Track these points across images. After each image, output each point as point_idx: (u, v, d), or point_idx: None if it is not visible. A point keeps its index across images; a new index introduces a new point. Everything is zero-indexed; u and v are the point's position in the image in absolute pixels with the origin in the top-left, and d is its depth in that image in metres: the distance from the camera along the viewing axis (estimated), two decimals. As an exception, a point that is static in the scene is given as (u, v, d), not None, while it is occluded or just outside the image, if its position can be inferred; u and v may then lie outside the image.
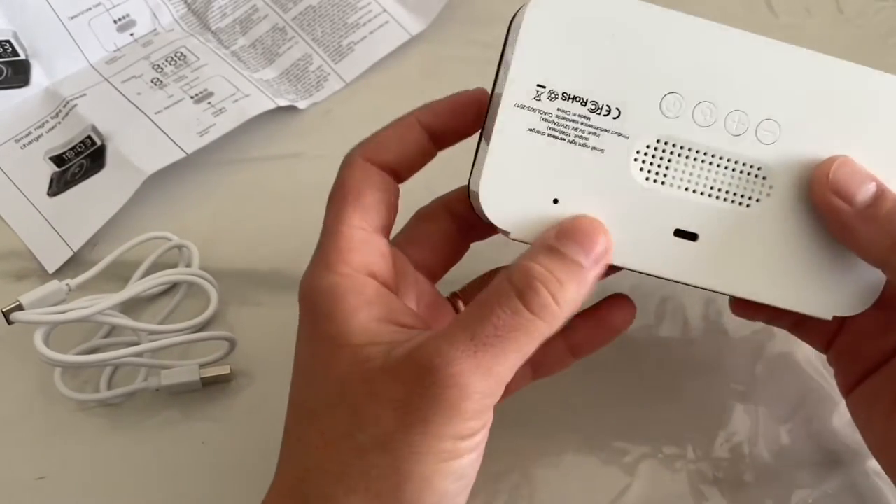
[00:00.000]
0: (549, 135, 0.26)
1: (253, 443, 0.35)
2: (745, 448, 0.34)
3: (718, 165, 0.27)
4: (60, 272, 0.40)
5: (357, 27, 0.48)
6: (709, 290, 0.28)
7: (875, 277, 0.28)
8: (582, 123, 0.27)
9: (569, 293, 0.25)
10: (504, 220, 0.27)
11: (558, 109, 0.26)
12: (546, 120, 0.26)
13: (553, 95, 0.26)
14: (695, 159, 0.27)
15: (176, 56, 0.47)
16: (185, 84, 0.46)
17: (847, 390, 0.32)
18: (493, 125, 0.26)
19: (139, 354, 0.36)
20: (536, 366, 0.31)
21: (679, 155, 0.27)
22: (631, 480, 0.33)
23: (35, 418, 0.37)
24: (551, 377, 0.32)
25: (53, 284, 0.37)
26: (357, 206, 0.27)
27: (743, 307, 0.32)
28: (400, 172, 0.29)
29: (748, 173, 0.27)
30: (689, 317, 0.37)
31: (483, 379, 0.24)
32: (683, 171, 0.27)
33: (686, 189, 0.27)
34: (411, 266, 0.30)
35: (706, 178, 0.27)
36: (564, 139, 0.27)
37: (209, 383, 0.36)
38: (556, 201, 0.27)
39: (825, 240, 0.28)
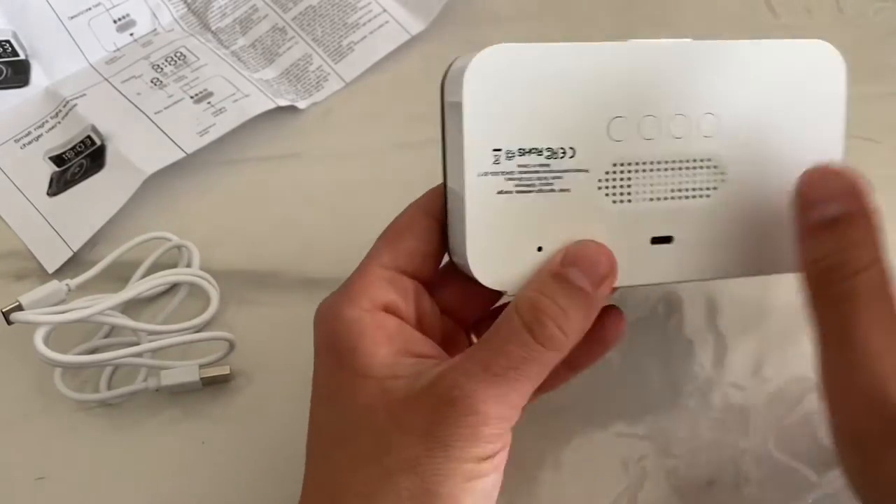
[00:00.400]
0: (517, 192, 0.28)
1: (253, 443, 0.35)
2: (746, 448, 0.34)
3: (673, 169, 0.29)
4: (60, 272, 0.40)
5: (357, 27, 0.48)
6: (694, 281, 0.29)
7: None
8: (544, 172, 0.28)
9: (574, 321, 0.26)
10: (498, 281, 0.28)
11: (519, 166, 0.27)
12: (511, 179, 0.27)
13: (511, 154, 0.27)
14: (651, 170, 0.29)
15: (176, 56, 0.47)
16: (185, 84, 0.46)
17: None
18: (462, 198, 0.27)
19: (139, 354, 0.36)
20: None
21: (637, 171, 0.29)
22: (631, 480, 0.33)
23: (35, 418, 0.37)
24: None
25: (53, 284, 0.37)
26: (392, 248, 0.29)
27: None
28: None
29: (700, 167, 0.29)
30: (689, 317, 0.37)
31: (498, 405, 0.25)
32: (644, 185, 0.29)
33: (651, 199, 0.29)
34: (437, 308, 0.31)
35: (666, 183, 0.29)
36: (532, 191, 0.28)
37: (209, 383, 0.36)
38: (540, 249, 0.28)
39: (776, 208, 0.30)
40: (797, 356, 0.36)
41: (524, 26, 0.48)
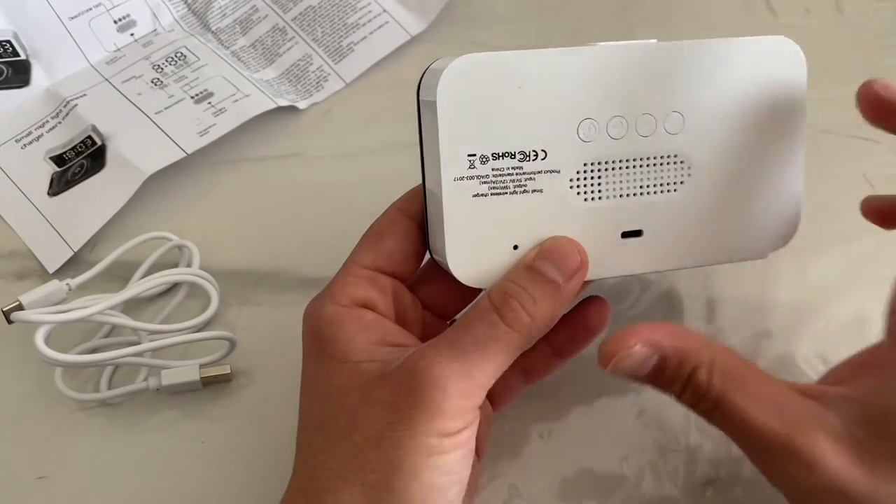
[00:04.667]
0: (491, 194, 0.29)
1: (253, 443, 0.35)
2: (745, 448, 0.34)
3: (641, 166, 0.30)
4: (61, 272, 0.40)
5: (357, 27, 0.48)
6: (663, 272, 0.31)
7: (791, 212, 0.32)
8: (517, 174, 0.29)
9: (542, 308, 0.27)
10: (476, 278, 0.29)
11: (493, 169, 0.29)
12: (485, 182, 0.29)
13: (484, 159, 0.28)
14: (620, 168, 0.30)
15: (176, 56, 0.47)
16: (186, 84, 0.46)
17: None
18: (440, 201, 0.28)
19: (139, 354, 0.36)
20: (526, 372, 0.33)
21: (606, 170, 0.30)
22: (630, 480, 0.33)
23: (35, 418, 0.37)
24: (550, 375, 0.33)
25: (54, 284, 0.37)
26: (372, 248, 0.30)
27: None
28: None
29: (667, 163, 0.30)
30: (689, 316, 0.37)
31: (462, 381, 0.26)
32: (614, 182, 0.30)
33: (621, 196, 0.30)
34: (419, 304, 0.32)
35: (634, 180, 0.30)
36: (506, 192, 0.29)
37: (209, 383, 0.36)
38: (515, 247, 0.29)
39: (745, 195, 0.31)
40: (798, 356, 0.36)
41: (524, 27, 0.49)
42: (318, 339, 0.29)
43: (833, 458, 0.25)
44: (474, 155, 0.28)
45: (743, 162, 0.31)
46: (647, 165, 0.30)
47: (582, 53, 0.29)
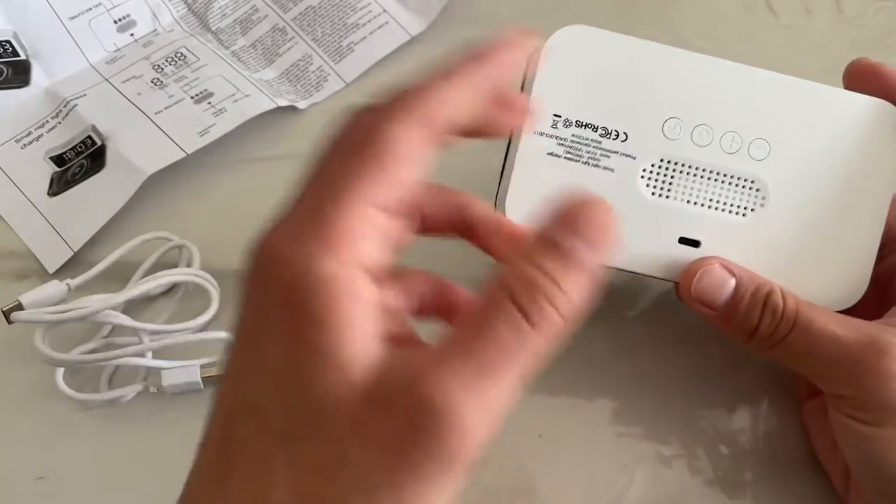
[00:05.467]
0: (565, 157, 0.30)
1: (253, 443, 0.35)
2: (746, 448, 0.34)
3: (716, 180, 0.31)
4: (61, 272, 0.40)
5: (357, 27, 0.48)
6: None
7: (857, 278, 0.31)
8: (594, 147, 0.30)
9: (574, 303, 0.21)
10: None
11: (573, 135, 0.30)
12: (562, 144, 0.30)
13: (568, 123, 0.30)
14: (694, 175, 0.31)
15: (176, 56, 0.47)
16: (185, 84, 0.46)
17: (806, 395, 0.34)
18: (516, 149, 0.30)
19: (140, 354, 0.36)
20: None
21: (681, 172, 0.31)
22: (631, 480, 0.33)
23: (35, 418, 0.37)
24: (550, 376, 0.32)
25: (54, 284, 0.37)
26: (390, 177, 0.21)
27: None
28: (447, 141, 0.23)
29: (743, 186, 0.31)
30: (690, 317, 0.37)
31: (482, 411, 0.20)
32: (685, 186, 0.31)
33: (688, 202, 0.31)
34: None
35: (705, 191, 0.31)
36: (579, 160, 0.30)
37: (210, 383, 0.36)
38: None
39: (814, 245, 0.31)
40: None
41: (524, 27, 0.48)
42: (299, 308, 0.20)
43: None
44: (560, 116, 0.30)
45: (818, 211, 0.31)
46: (723, 182, 0.31)
47: (690, 57, 0.30)
